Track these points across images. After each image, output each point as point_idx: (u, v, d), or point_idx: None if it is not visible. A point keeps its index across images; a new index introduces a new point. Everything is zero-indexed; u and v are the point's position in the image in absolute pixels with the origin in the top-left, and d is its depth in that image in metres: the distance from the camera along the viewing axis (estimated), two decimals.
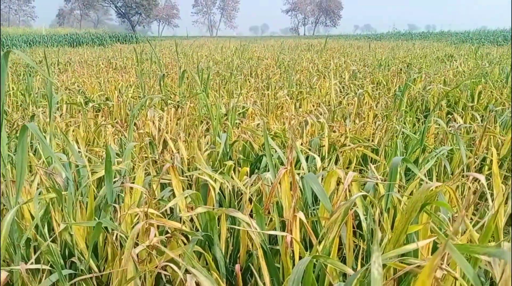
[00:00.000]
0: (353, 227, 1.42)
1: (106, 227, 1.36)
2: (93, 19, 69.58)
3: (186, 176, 1.79)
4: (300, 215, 1.10)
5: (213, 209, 1.22)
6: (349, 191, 1.36)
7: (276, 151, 1.99)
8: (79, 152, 2.17)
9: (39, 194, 1.26)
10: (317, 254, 1.04)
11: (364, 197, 1.42)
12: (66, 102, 3.68)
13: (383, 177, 1.56)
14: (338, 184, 1.53)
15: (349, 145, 2.20)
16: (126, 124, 3.09)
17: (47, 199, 1.28)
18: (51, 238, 1.17)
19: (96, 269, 1.27)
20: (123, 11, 57.18)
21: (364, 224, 1.17)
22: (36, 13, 72.56)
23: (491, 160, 2.26)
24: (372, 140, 2.51)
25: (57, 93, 4.49)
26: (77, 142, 2.56)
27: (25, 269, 1.01)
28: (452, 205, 1.25)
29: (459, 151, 2.15)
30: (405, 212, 1.04)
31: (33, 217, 1.34)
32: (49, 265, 1.22)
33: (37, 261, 1.32)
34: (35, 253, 1.32)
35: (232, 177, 1.82)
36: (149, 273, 1.15)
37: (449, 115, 3.48)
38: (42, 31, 29.20)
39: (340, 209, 1.02)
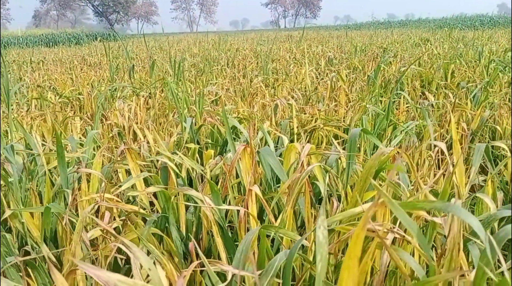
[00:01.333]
0: (316, 202, 1.40)
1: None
2: (70, 19, 68.46)
3: (151, 161, 1.75)
4: (255, 188, 1.07)
5: (167, 188, 1.18)
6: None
7: (243, 134, 1.96)
8: (43, 144, 2.11)
9: None
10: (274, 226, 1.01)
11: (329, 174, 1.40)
12: (34, 98, 3.58)
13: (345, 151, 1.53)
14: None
15: (319, 126, 2.18)
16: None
17: None
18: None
19: (52, 257, 1.23)
20: (101, 9, 56.31)
21: (323, 194, 1.14)
22: (11, 16, 71.10)
23: (462, 135, 2.26)
24: (344, 121, 2.50)
25: (27, 90, 4.39)
26: (43, 136, 2.50)
27: None
28: (409, 172, 1.23)
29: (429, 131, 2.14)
30: (360, 179, 1.02)
31: None
32: None
33: None
34: None
35: (197, 160, 1.79)
36: (103, 257, 1.11)
37: (423, 95, 3.49)
38: (18, 33, 28.63)
39: (292, 178, 1.00)
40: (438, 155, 1.78)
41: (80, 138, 2.47)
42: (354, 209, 0.82)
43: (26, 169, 1.40)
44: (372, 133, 1.71)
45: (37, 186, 1.51)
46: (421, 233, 0.70)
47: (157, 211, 1.43)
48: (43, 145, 2.08)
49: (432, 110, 2.72)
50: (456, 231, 0.76)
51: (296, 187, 1.06)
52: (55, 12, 64.68)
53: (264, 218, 1.38)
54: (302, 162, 1.17)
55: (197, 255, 1.06)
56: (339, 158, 1.50)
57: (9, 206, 1.29)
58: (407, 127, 1.91)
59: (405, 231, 0.96)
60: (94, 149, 2.00)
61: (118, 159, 1.57)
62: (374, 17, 35.91)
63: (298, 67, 5.26)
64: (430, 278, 0.61)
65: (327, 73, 4.74)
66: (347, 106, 2.87)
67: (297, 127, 2.20)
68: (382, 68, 3.96)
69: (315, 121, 2.35)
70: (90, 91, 3.91)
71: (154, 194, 1.50)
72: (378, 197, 0.58)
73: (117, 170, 1.85)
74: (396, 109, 2.82)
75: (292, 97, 3.21)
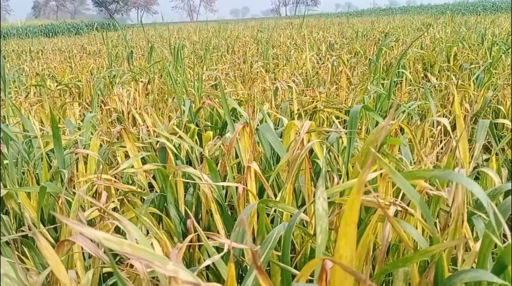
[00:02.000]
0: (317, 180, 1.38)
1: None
2: (69, 9, 68.12)
3: (149, 144, 1.73)
4: (254, 165, 1.05)
5: (165, 166, 1.16)
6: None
7: (242, 116, 1.93)
8: (41, 129, 2.09)
9: None
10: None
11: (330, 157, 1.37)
12: (32, 85, 3.56)
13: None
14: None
15: (320, 108, 2.15)
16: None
17: None
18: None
19: (49, 237, 1.21)
20: (100, 0, 55.94)
21: (323, 170, 1.12)
22: (10, 7, 70.73)
23: (465, 115, 2.23)
24: (345, 103, 2.47)
25: (26, 78, 4.37)
26: (41, 122, 2.48)
27: None
28: (412, 147, 1.20)
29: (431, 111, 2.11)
30: (361, 154, 1.00)
31: None
32: None
33: None
34: None
35: (196, 143, 1.77)
36: None
37: (425, 77, 3.45)
38: (18, 24, 28.54)
39: (291, 153, 0.97)
40: (441, 137, 1.75)
41: (79, 124, 2.45)
42: (355, 180, 0.79)
43: (21, 152, 1.38)
44: (366, 105, 1.68)
45: (34, 168, 1.49)
46: (424, 202, 0.67)
47: (156, 191, 1.41)
48: (41, 130, 2.06)
49: (435, 92, 2.68)
50: (461, 200, 0.73)
51: (296, 163, 1.03)
52: (55, 2, 64.31)
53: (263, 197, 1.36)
54: (302, 139, 1.14)
55: (196, 231, 1.04)
56: (340, 137, 1.47)
57: (5, 187, 1.27)
58: (409, 107, 1.87)
59: (407, 205, 0.94)
60: (92, 134, 1.98)
61: (115, 140, 1.55)
62: (375, 4, 35.59)
63: (298, 52, 5.20)
64: (432, 247, 0.59)
65: (328, 58, 4.69)
66: (348, 90, 2.84)
67: (297, 110, 2.17)
68: (383, 52, 3.91)
69: (316, 103, 2.32)
70: (89, 78, 3.88)
71: (154, 177, 1.48)
72: (372, 158, 0.56)
73: (115, 154, 1.83)
74: (398, 91, 2.79)
75: (293, 82, 3.17)
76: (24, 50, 7.41)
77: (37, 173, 1.50)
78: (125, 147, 1.50)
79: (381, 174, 1.05)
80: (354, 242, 0.55)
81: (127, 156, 1.82)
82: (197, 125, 2.00)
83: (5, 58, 6.86)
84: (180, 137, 1.52)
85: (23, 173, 1.42)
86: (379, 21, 14.15)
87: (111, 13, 55.71)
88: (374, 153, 0.63)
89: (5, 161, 1.21)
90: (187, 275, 0.47)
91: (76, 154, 1.48)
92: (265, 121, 1.71)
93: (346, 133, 1.39)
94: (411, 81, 2.98)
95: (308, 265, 0.60)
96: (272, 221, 1.17)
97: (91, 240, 0.62)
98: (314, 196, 1.13)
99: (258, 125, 1.82)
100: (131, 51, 3.64)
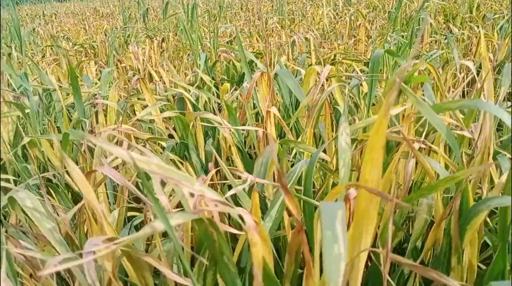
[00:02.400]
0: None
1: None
2: None
3: (166, 97, 1.73)
4: (273, 110, 1.04)
5: (184, 114, 1.16)
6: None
7: (259, 69, 1.91)
8: (59, 86, 2.10)
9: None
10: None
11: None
12: (48, 45, 3.56)
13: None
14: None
15: (338, 60, 2.10)
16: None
17: (14, 119, 1.23)
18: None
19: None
20: None
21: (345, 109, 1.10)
22: None
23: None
24: (364, 55, 2.41)
25: (41, 41, 4.37)
26: (59, 80, 2.49)
27: None
28: (436, 89, 1.17)
29: (454, 60, 2.05)
30: (383, 94, 0.98)
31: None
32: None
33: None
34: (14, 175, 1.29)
35: (213, 93, 1.76)
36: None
37: (447, 29, 3.33)
38: None
39: (311, 96, 0.96)
40: (464, 85, 1.70)
41: (96, 81, 2.46)
42: (374, 117, 0.78)
43: (42, 102, 1.39)
44: (390, 49, 1.64)
45: (54, 122, 1.51)
46: (451, 132, 0.66)
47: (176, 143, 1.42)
48: (59, 87, 2.08)
49: (457, 43, 2.60)
50: (488, 132, 0.72)
51: (316, 107, 1.02)
52: None
53: None
54: (322, 84, 1.12)
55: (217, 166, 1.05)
56: (361, 85, 1.44)
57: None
58: (432, 56, 1.82)
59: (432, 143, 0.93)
60: (109, 89, 1.98)
61: (132, 93, 1.55)
62: None
63: (315, 8, 5.07)
64: (458, 173, 0.58)
65: (345, 13, 4.55)
66: (367, 43, 2.76)
67: (315, 62, 2.13)
68: (403, 4, 3.78)
69: (334, 56, 2.27)
70: (104, 38, 3.86)
71: (174, 129, 1.49)
72: (398, 85, 0.54)
73: (134, 108, 1.84)
74: (419, 43, 2.70)
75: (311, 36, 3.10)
76: (37, 14, 7.38)
77: (58, 126, 1.52)
78: (143, 99, 1.50)
79: (403, 115, 1.03)
80: (380, 167, 0.55)
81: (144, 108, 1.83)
82: (213, 79, 1.99)
83: (19, 21, 6.85)
84: (198, 87, 1.51)
85: (44, 124, 1.44)
86: None
87: None
88: (399, 81, 0.61)
89: (27, 110, 1.22)
90: (213, 194, 0.47)
91: (95, 106, 1.49)
92: None
93: (366, 81, 1.37)
94: (432, 32, 2.89)
95: (331, 193, 0.60)
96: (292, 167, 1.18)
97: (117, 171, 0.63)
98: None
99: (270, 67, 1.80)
100: (147, 8, 3.58)
